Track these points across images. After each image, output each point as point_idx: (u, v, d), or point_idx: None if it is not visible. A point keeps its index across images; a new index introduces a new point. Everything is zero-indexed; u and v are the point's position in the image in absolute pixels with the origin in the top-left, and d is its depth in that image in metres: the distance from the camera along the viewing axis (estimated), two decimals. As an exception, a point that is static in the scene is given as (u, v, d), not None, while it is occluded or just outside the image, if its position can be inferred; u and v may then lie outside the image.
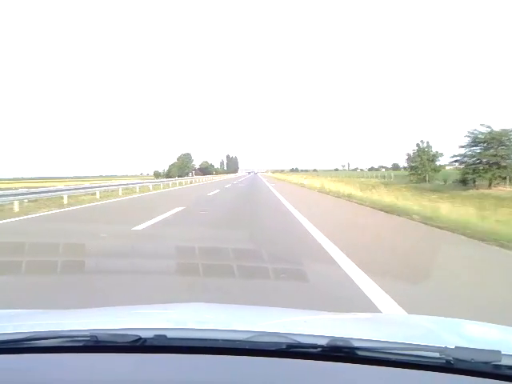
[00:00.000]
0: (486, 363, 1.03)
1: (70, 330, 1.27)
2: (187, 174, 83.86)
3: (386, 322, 1.80)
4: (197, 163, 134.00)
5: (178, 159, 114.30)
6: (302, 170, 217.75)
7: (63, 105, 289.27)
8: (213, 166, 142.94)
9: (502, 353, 1.05)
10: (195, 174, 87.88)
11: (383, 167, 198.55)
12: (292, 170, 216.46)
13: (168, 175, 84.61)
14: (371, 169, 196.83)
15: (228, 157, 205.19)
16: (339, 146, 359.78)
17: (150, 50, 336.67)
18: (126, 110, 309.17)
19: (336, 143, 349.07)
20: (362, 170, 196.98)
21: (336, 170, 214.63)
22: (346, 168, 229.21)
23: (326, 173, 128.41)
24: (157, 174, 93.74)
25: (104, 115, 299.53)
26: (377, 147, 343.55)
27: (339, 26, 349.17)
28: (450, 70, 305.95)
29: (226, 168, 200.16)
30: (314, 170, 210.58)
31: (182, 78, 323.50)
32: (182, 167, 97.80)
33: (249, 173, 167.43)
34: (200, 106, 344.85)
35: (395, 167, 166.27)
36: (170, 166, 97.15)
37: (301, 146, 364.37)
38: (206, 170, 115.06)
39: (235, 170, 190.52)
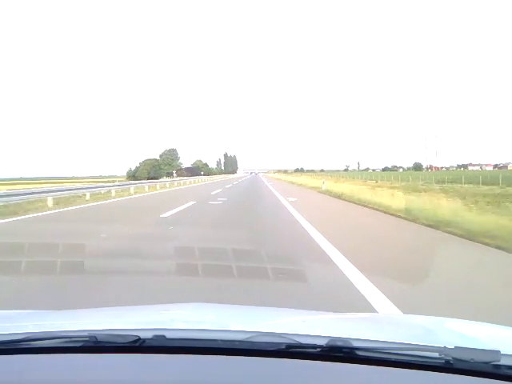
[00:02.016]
0: (485, 363, 1.05)
1: (69, 331, 1.30)
2: (169, 175, 69.14)
3: (385, 322, 1.81)
4: (190, 162, 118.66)
5: (160, 156, 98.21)
6: (307, 171, 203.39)
7: (24, 101, 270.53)
8: (207, 166, 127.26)
9: (502, 353, 1.07)
10: (179, 175, 72.07)
11: (399, 167, 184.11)
12: (297, 171, 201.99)
13: (135, 176, 68.04)
14: (385, 169, 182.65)
15: (226, 155, 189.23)
16: (347, 145, 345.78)
17: (139, 41, 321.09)
18: (110, 104, 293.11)
19: (344, 142, 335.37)
20: (374, 170, 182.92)
21: (346, 170, 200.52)
22: (356, 168, 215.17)
23: (337, 173, 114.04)
24: (130, 175, 75.99)
25: (81, 109, 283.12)
26: (389, 146, 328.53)
27: (347, 20, 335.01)
28: (467, 62, 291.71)
29: (223, 168, 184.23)
30: (321, 171, 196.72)
31: (177, 71, 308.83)
32: (156, 166, 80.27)
33: (250, 173, 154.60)
34: (197, 101, 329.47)
35: (417, 167, 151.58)
36: (140, 164, 79.15)
37: (306, 144, 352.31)
38: (195, 169, 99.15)
39: (233, 171, 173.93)
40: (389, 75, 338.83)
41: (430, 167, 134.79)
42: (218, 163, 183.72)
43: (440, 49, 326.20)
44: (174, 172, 66.37)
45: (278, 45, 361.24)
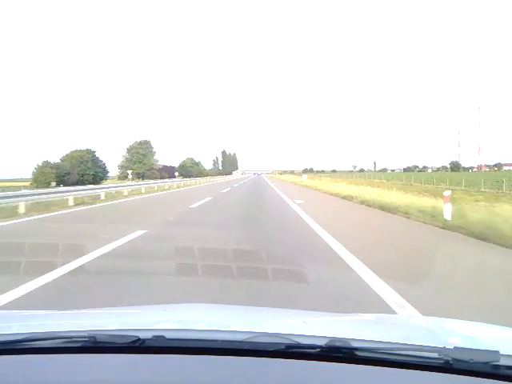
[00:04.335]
0: (484, 363, 1.09)
1: (69, 331, 1.35)
2: (141, 177, 50.69)
3: (384, 323, 1.85)
4: (180, 160, 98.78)
5: (128, 151, 77.96)
6: (317, 171, 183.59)
7: None
8: (197, 165, 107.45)
9: (501, 353, 1.11)
10: (149, 177, 52.17)
11: (424, 167, 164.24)
12: (305, 171, 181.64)
13: (37, 180, 45.30)
14: (407, 169, 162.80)
15: (224, 154, 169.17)
16: (361, 143, 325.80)
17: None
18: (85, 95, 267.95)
19: (357, 139, 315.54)
20: (392, 170, 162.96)
21: (361, 170, 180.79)
22: (372, 168, 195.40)
23: (354, 175, 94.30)
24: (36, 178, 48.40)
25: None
26: (410, 144, 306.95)
27: (359, 10, 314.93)
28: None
29: (221, 167, 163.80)
30: (333, 171, 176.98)
31: (168, 59, 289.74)
32: (87, 161, 57.03)
33: (254, 174, 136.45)
34: (193, 94, 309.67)
35: (454, 166, 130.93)
36: (62, 159, 54.50)
37: (314, 143, 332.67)
38: (178, 170, 78.83)
39: (230, 172, 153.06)
40: (409, 64, 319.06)
41: (478, 167, 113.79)
42: (215, 162, 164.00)
43: (467, 37, 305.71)
44: (130, 173, 46.60)
45: (287, 35, 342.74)
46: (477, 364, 1.08)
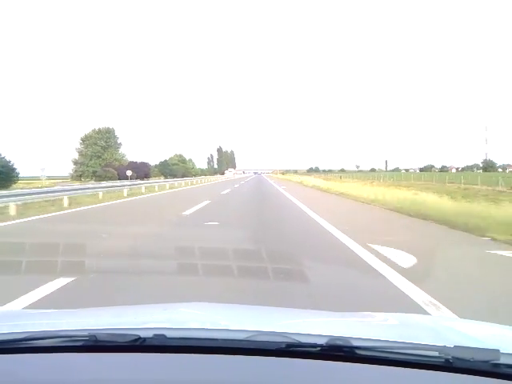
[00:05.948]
0: (484, 362, 1.10)
1: (69, 330, 1.37)
2: (78, 178, 34.44)
3: (385, 321, 1.88)
4: (165, 157, 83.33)
5: (82, 141, 61.98)
6: (323, 171, 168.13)
7: None
8: (186, 162, 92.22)
9: (501, 352, 1.12)
10: (101, 176, 36.67)
11: (445, 167, 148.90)
12: (310, 171, 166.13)
13: None
14: (423, 169, 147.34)
15: (220, 151, 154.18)
16: (370, 141, 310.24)
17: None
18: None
19: (366, 137, 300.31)
20: (406, 170, 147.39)
21: (373, 170, 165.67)
22: (383, 168, 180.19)
23: (369, 175, 79.31)
24: None
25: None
26: (426, 142, 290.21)
27: (366, 5, 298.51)
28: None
29: (216, 166, 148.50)
30: (341, 171, 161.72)
31: (161, 49, 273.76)
32: None
33: (254, 173, 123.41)
34: (191, 89, 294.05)
35: (488, 166, 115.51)
36: None
37: (319, 140, 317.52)
38: (162, 168, 63.53)
39: (224, 171, 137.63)
40: (419, 53, 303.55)
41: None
42: (210, 161, 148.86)
43: (481, 25, 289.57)
44: (42, 170, 31.66)
45: (290, 26, 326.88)
46: (477, 363, 1.09)
